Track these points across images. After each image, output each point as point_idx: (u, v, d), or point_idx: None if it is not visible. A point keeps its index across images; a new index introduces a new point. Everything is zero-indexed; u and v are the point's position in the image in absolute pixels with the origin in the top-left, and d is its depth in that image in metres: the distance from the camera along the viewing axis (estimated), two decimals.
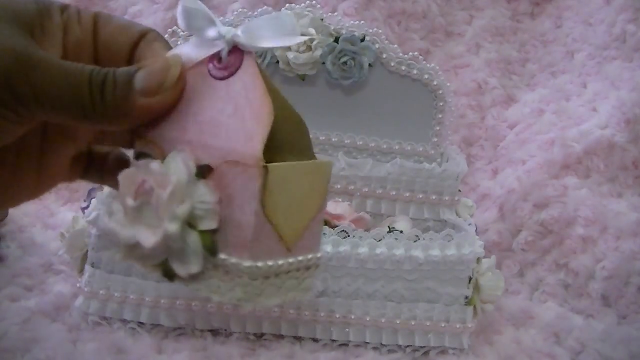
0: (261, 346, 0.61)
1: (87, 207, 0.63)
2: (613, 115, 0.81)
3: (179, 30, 0.66)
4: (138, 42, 0.38)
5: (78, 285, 0.62)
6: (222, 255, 0.35)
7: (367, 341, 0.62)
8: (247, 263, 0.34)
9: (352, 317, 0.61)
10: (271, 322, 0.61)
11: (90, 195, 0.66)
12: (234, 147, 0.35)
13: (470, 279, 0.63)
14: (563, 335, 0.68)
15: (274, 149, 0.35)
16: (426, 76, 0.66)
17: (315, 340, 0.62)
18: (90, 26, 0.38)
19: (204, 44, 0.37)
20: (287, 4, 0.66)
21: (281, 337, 0.62)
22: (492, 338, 0.67)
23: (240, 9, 0.67)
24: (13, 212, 0.76)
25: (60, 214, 0.80)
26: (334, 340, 0.62)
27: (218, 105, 0.36)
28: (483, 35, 0.92)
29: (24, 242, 0.73)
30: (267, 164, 0.34)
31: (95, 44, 0.38)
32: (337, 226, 0.62)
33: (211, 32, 0.37)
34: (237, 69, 0.36)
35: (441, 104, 0.67)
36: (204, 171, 0.35)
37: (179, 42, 0.65)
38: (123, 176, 0.36)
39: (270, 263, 0.35)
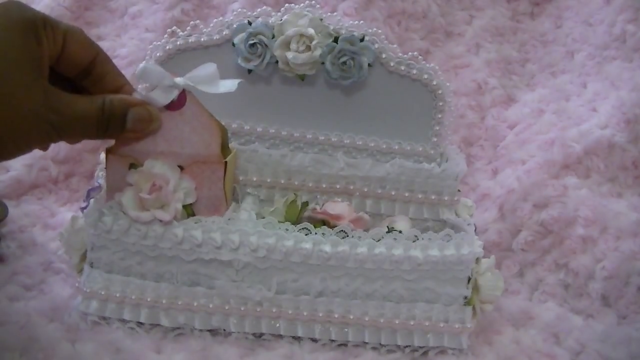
0: (260, 346, 0.61)
1: (86, 207, 0.63)
2: (613, 115, 0.81)
3: (179, 30, 0.66)
4: (94, 59, 0.53)
5: (77, 285, 0.62)
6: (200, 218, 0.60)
7: (366, 341, 0.62)
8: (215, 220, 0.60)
9: (351, 317, 0.61)
10: (270, 322, 0.61)
11: (89, 195, 0.66)
12: (198, 152, 0.59)
13: (469, 279, 0.63)
14: (563, 336, 0.68)
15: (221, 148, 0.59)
16: (426, 76, 0.66)
17: (314, 340, 0.62)
18: (61, 41, 0.51)
19: (163, 90, 0.56)
20: (287, 4, 0.66)
21: (280, 337, 0.62)
22: (492, 338, 0.67)
23: (240, 9, 0.67)
24: (13, 212, 0.76)
25: (60, 214, 0.80)
26: (332, 340, 0.62)
27: (178, 128, 0.58)
28: (483, 35, 0.92)
29: (24, 242, 0.73)
30: (225, 159, 0.59)
31: (61, 55, 0.52)
32: (336, 226, 0.62)
33: (168, 82, 0.56)
34: (184, 103, 0.57)
35: (441, 104, 0.67)
36: (181, 169, 0.59)
37: (178, 42, 0.65)
38: (135, 179, 0.58)
39: (225, 217, 0.60)
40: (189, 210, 0.60)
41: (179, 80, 0.56)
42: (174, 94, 0.57)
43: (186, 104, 0.58)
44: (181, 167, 0.59)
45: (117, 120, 0.53)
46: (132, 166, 0.58)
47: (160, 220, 0.58)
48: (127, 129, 0.54)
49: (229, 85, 0.58)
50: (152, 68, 0.56)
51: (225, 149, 0.60)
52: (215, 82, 0.57)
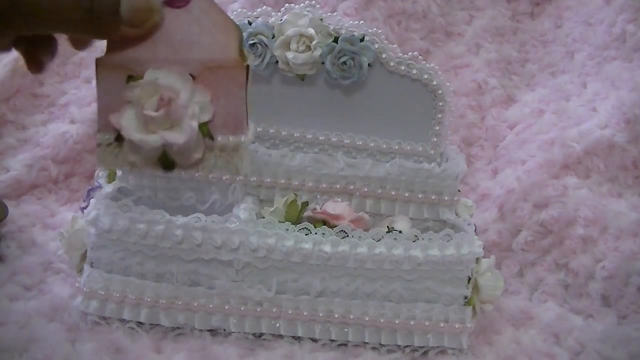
0: (260, 346, 0.61)
1: (86, 207, 0.64)
2: (613, 115, 0.81)
3: None
4: None
5: (77, 285, 0.62)
6: (219, 138, 0.46)
7: (366, 341, 0.62)
8: (243, 137, 0.46)
9: (351, 317, 0.61)
10: (270, 322, 0.61)
11: (89, 195, 0.66)
12: (212, 57, 0.45)
13: (469, 279, 0.63)
14: (563, 336, 0.68)
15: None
16: (426, 76, 0.66)
17: (314, 340, 0.62)
18: None
19: None
20: (287, 4, 0.66)
21: (280, 337, 0.62)
22: (492, 338, 0.67)
23: (240, 9, 0.67)
24: (13, 212, 0.76)
25: (60, 214, 0.80)
26: (333, 340, 0.62)
27: (184, 28, 0.45)
28: (483, 35, 0.92)
29: (24, 242, 0.73)
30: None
31: None
32: (336, 226, 0.62)
33: None
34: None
35: (441, 104, 0.67)
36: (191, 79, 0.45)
37: None
38: (136, 94, 0.45)
39: (250, 134, 0.47)
40: (205, 130, 0.46)
41: None
42: None
43: (192, 2, 0.45)
44: (192, 77, 0.46)
45: (108, 10, 0.42)
46: (130, 79, 0.46)
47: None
48: (122, 21, 0.43)
49: None
50: None
51: (242, 54, 0.47)
52: None
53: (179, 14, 0.45)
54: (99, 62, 0.46)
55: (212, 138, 0.46)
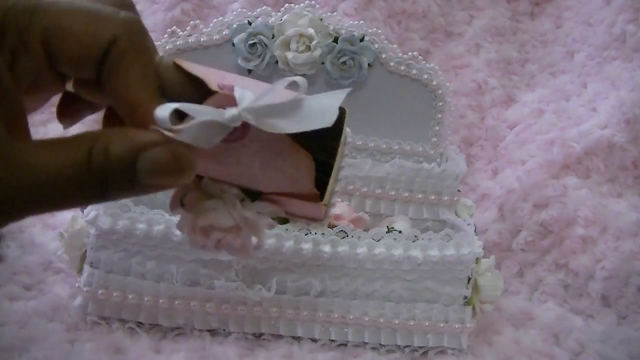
0: (259, 346, 0.61)
1: (86, 207, 0.63)
2: (613, 115, 0.81)
3: (179, 30, 0.66)
4: (107, 53, 0.32)
5: (77, 285, 0.62)
6: None
7: (366, 341, 0.62)
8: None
9: (351, 317, 0.61)
10: (270, 322, 0.61)
11: None
12: (282, 190, 0.36)
13: (469, 279, 0.63)
14: (563, 336, 0.68)
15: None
16: (425, 76, 0.66)
17: (313, 340, 0.62)
18: (40, 50, 0.32)
19: (204, 126, 0.32)
20: (287, 4, 0.66)
21: (280, 337, 0.62)
22: (491, 338, 0.67)
23: (240, 9, 0.68)
24: None
25: (60, 214, 0.80)
26: (332, 341, 0.62)
27: (241, 162, 0.36)
28: (483, 35, 0.92)
29: (23, 242, 0.73)
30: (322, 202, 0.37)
31: (55, 65, 0.33)
32: (336, 226, 0.62)
33: (208, 117, 0.32)
34: (246, 134, 0.35)
35: (441, 104, 0.67)
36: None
37: (178, 42, 0.65)
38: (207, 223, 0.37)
39: None
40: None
41: (230, 114, 0.32)
42: (223, 132, 0.33)
43: (249, 134, 0.35)
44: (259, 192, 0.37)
45: (120, 176, 0.30)
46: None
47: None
48: (143, 185, 0.31)
49: (323, 116, 0.33)
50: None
51: (323, 189, 0.37)
52: (298, 112, 0.33)
53: (235, 147, 0.35)
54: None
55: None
